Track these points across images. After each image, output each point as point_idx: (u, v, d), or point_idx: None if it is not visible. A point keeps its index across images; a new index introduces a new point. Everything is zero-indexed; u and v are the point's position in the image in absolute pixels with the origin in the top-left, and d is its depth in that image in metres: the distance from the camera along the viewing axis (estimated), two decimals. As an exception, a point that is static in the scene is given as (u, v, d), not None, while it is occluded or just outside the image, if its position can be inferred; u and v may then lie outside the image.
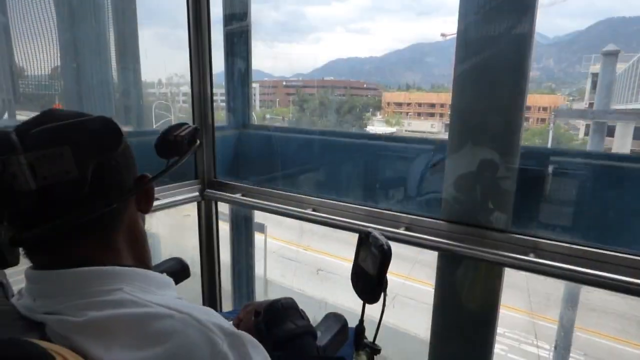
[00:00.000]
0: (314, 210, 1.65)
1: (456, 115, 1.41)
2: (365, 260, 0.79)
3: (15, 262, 0.49)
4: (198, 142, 0.68)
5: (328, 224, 1.59)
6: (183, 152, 0.65)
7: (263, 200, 1.79)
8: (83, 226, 0.54)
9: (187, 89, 1.93)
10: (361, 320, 0.85)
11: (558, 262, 1.20)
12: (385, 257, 0.74)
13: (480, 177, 1.38)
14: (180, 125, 0.67)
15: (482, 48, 1.34)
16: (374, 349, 0.87)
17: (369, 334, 0.89)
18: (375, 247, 0.76)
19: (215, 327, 0.49)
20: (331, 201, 1.64)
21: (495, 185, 1.37)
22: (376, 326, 0.88)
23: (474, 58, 1.35)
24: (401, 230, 1.44)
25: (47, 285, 0.54)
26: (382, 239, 0.75)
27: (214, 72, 1.91)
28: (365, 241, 0.80)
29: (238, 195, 1.85)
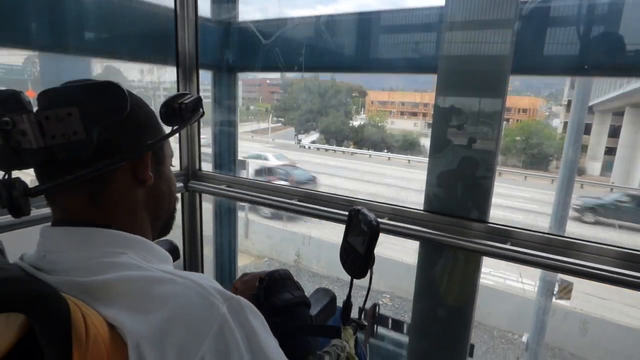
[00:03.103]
0: (299, 200, 1.67)
1: (439, 115, 1.45)
2: (354, 237, 0.81)
3: (27, 212, 0.50)
4: (202, 111, 0.69)
5: (313, 214, 1.61)
6: (186, 119, 0.66)
7: (247, 191, 1.80)
8: (77, 186, 0.55)
9: (168, 83, 1.92)
10: (349, 296, 0.87)
11: (533, 250, 1.26)
12: (374, 232, 0.75)
13: (461, 172, 1.43)
14: (183, 94, 0.68)
15: (465, 52, 1.39)
16: (360, 325, 0.90)
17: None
18: (364, 224, 0.77)
19: (215, 292, 0.51)
20: (316, 192, 1.67)
21: (475, 180, 1.42)
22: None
23: (457, 61, 1.41)
24: (385, 220, 1.47)
25: (56, 240, 0.56)
26: (371, 215, 0.77)
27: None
28: (354, 218, 0.81)
29: (223, 187, 1.85)
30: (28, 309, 0.42)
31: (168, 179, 0.68)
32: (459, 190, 1.44)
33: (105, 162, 0.55)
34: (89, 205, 0.58)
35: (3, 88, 0.49)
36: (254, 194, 1.78)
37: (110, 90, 0.54)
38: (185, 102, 0.66)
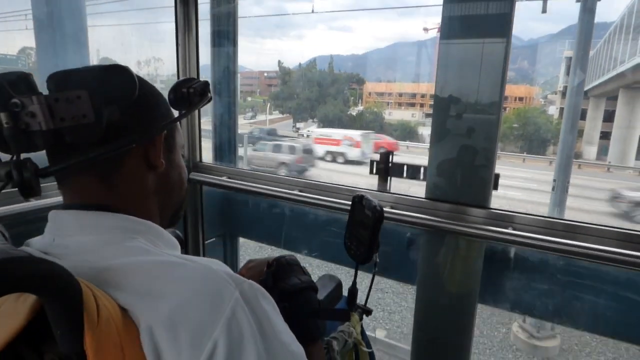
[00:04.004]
0: (300, 191, 1.68)
1: (439, 104, 1.45)
2: (358, 223, 0.82)
3: (38, 193, 0.50)
4: (209, 95, 0.69)
5: (315, 204, 1.62)
6: (195, 104, 0.66)
7: (249, 182, 1.80)
8: (88, 169, 0.56)
9: (165, 76, 1.90)
10: (354, 282, 0.88)
11: (534, 233, 1.27)
12: (378, 217, 0.77)
13: (462, 160, 1.43)
14: (190, 79, 0.68)
15: (464, 43, 1.39)
16: (366, 310, 0.92)
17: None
18: (368, 209, 0.78)
19: (227, 276, 0.51)
20: (317, 182, 1.67)
21: (476, 167, 1.42)
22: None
23: (456, 52, 1.40)
24: (387, 209, 1.48)
25: (66, 224, 0.56)
26: (375, 201, 0.78)
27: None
28: (358, 204, 0.82)
29: (224, 178, 1.85)
30: (39, 289, 0.41)
31: (179, 167, 0.69)
32: (460, 177, 1.44)
33: (116, 144, 0.54)
34: (100, 189, 0.58)
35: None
36: (255, 184, 1.78)
37: (119, 74, 0.54)
38: (194, 86, 0.66)
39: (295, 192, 1.66)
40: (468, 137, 1.42)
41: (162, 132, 0.62)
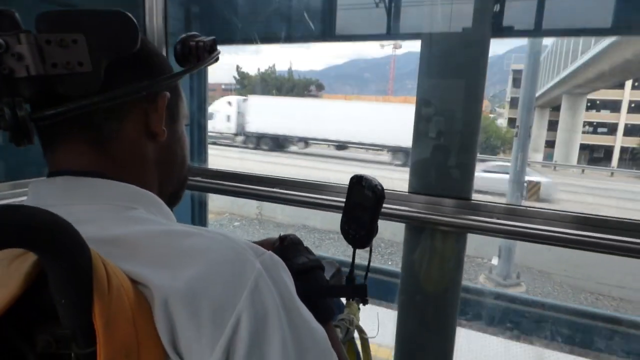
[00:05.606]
0: (280, 188, 1.62)
1: (421, 103, 1.49)
2: (357, 204, 0.78)
3: (32, 140, 0.43)
4: (219, 51, 0.63)
5: (295, 200, 1.57)
6: (203, 59, 0.61)
7: (222, 181, 1.72)
8: (83, 129, 0.49)
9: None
10: (352, 269, 0.84)
11: (515, 222, 1.30)
12: (379, 197, 0.72)
13: (445, 155, 1.46)
14: (197, 34, 0.63)
15: (443, 51, 1.44)
16: (363, 300, 0.88)
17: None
18: (368, 189, 0.74)
19: (247, 246, 0.46)
20: (294, 179, 1.63)
21: (458, 161, 1.45)
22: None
23: (436, 59, 1.46)
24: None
25: (54, 192, 0.48)
26: (376, 180, 0.75)
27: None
28: (356, 185, 0.78)
29: (197, 179, 1.76)
30: (42, 245, 0.33)
31: (181, 141, 0.63)
32: (442, 172, 1.47)
33: (120, 90, 0.48)
34: (94, 156, 0.51)
35: None
36: (229, 183, 1.70)
37: (122, 21, 0.48)
38: (204, 40, 0.61)
39: (276, 189, 1.61)
40: (448, 135, 1.45)
41: (166, 88, 0.56)
